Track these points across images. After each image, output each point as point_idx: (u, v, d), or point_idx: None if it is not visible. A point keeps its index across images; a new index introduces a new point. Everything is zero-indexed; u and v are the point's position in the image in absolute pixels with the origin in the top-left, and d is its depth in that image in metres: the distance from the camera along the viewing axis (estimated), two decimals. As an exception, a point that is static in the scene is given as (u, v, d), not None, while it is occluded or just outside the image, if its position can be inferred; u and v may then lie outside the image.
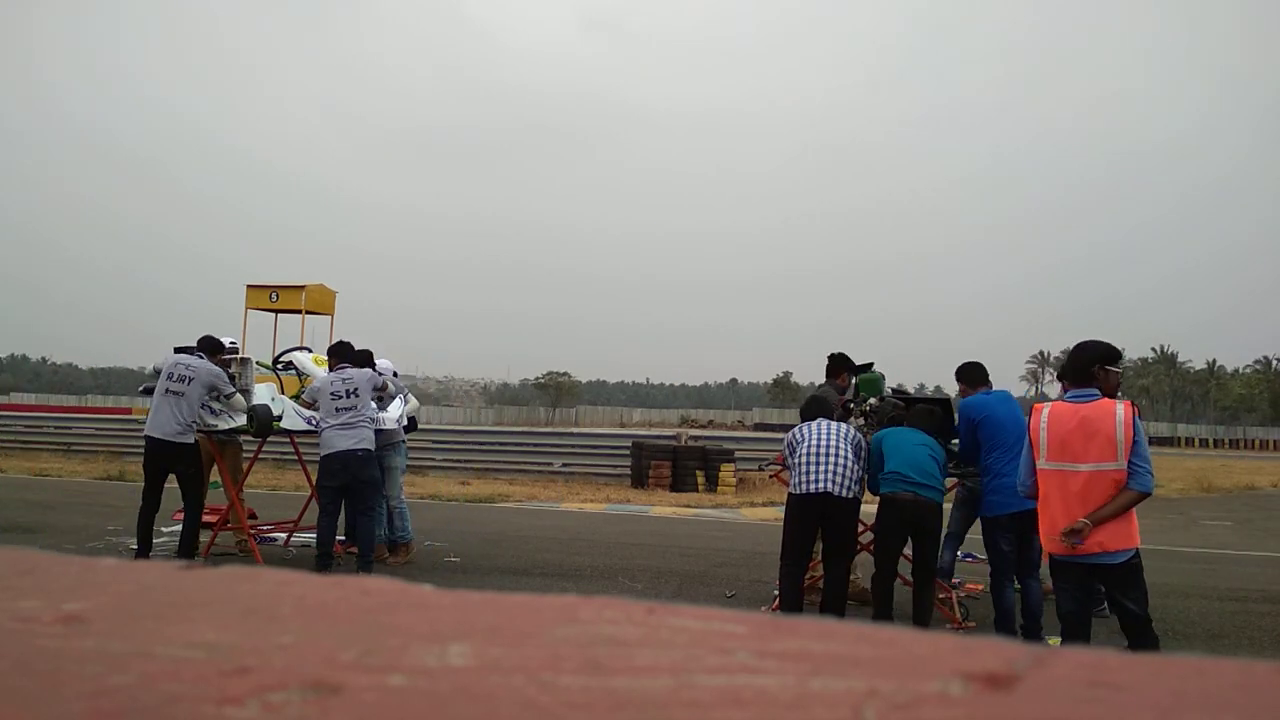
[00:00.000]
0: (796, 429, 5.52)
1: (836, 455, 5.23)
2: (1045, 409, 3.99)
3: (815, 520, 5.29)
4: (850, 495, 5.21)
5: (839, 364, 6.33)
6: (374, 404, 6.61)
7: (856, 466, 5.29)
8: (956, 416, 5.57)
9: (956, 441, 5.54)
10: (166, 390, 6.43)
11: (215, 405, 6.72)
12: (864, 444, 5.42)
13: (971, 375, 5.56)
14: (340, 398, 6.34)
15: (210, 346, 6.73)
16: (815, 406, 5.71)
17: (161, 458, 6.48)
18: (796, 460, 5.33)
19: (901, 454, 5.19)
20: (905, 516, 5.12)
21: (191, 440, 6.51)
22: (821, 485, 5.15)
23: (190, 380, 6.43)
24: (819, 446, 5.27)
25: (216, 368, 6.60)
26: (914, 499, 5.09)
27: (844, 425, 5.47)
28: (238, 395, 6.70)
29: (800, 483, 5.24)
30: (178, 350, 6.79)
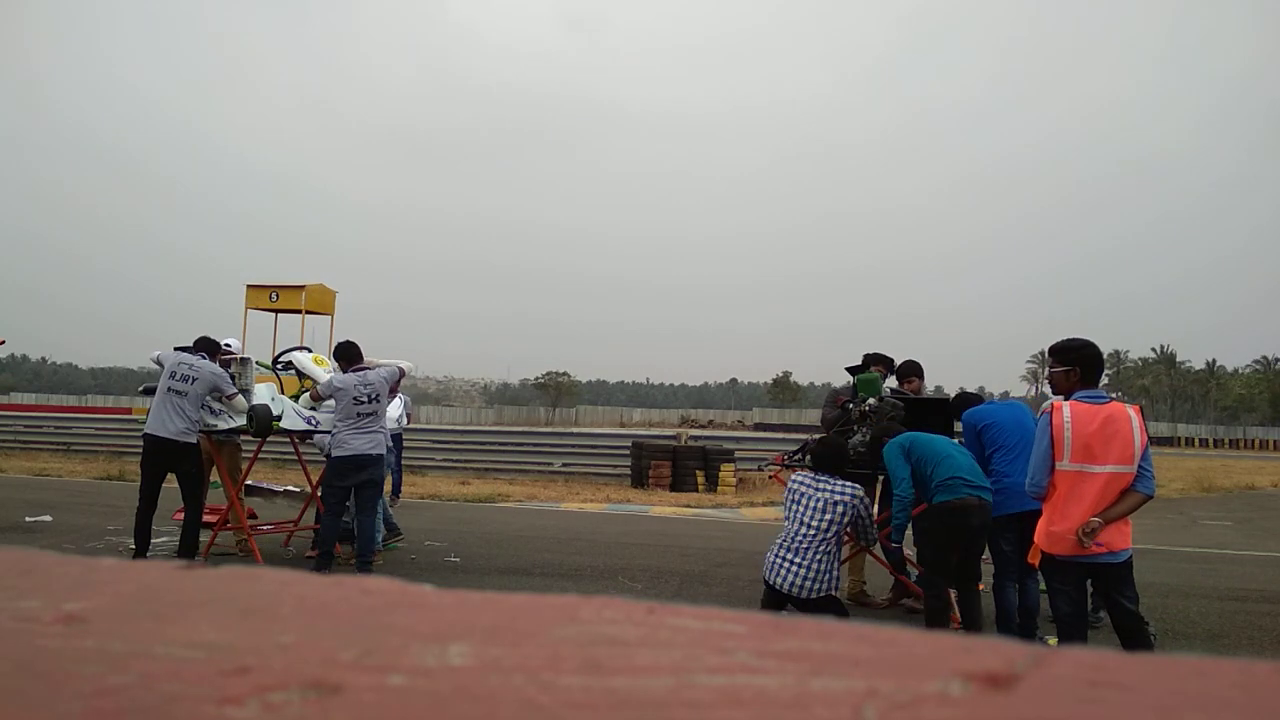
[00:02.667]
0: (797, 483, 5.00)
1: (807, 554, 4.78)
2: (1066, 408, 3.93)
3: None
4: (815, 597, 4.78)
5: (900, 369, 6.41)
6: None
7: (834, 566, 4.84)
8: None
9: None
10: (169, 389, 6.40)
11: (215, 405, 6.70)
12: (864, 513, 4.97)
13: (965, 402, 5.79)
14: (363, 402, 6.33)
15: (209, 347, 6.72)
16: (831, 458, 5.08)
17: (162, 457, 6.45)
18: (781, 533, 4.96)
19: (953, 459, 4.94)
20: (974, 522, 4.86)
21: (194, 440, 6.49)
22: (783, 583, 4.80)
23: (194, 380, 6.40)
24: (796, 536, 4.83)
25: (220, 369, 6.59)
26: (980, 503, 4.87)
27: (847, 493, 4.89)
28: (239, 396, 6.69)
29: (766, 566, 4.92)
30: (178, 350, 6.78)
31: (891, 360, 6.45)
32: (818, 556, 4.77)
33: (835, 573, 4.86)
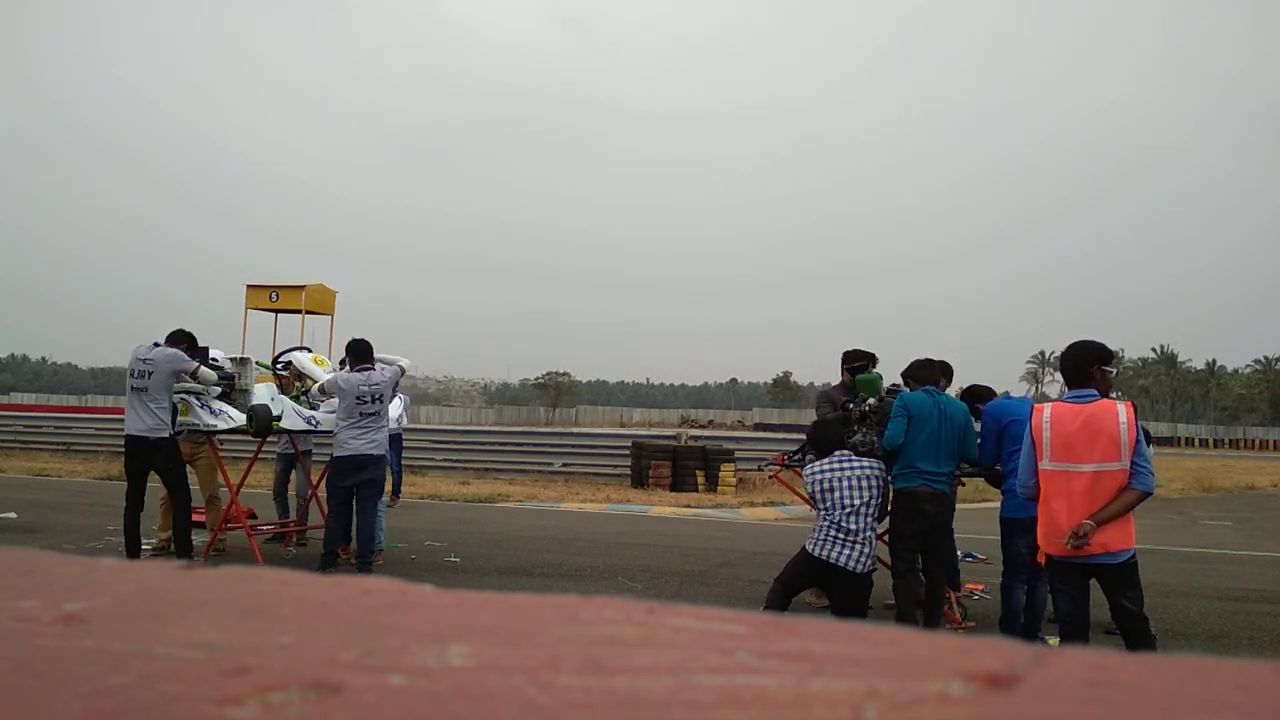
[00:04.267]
0: (820, 473, 5.15)
1: (856, 531, 4.98)
2: (1046, 409, 3.95)
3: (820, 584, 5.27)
4: (865, 570, 5.02)
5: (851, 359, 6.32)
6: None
7: (874, 540, 5.09)
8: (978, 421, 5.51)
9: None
10: (132, 387, 6.34)
11: (213, 404, 6.65)
12: (886, 487, 5.20)
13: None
14: (366, 401, 6.32)
15: (179, 339, 6.56)
16: (826, 439, 5.32)
17: (139, 455, 6.38)
18: (822, 517, 5.08)
19: (918, 445, 5.12)
20: (928, 509, 5.13)
21: (166, 435, 6.38)
22: (841, 558, 4.96)
23: (150, 373, 6.29)
24: (842, 518, 4.99)
25: (173, 350, 6.40)
26: (932, 493, 5.11)
27: (873, 469, 5.15)
28: (203, 369, 6.53)
29: (815, 544, 5.04)
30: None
31: (872, 355, 6.38)
32: (865, 532, 5.00)
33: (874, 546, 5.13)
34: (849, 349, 6.36)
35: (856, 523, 4.96)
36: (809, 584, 5.27)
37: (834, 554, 4.96)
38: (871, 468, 5.13)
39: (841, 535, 4.96)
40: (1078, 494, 3.81)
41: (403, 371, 6.95)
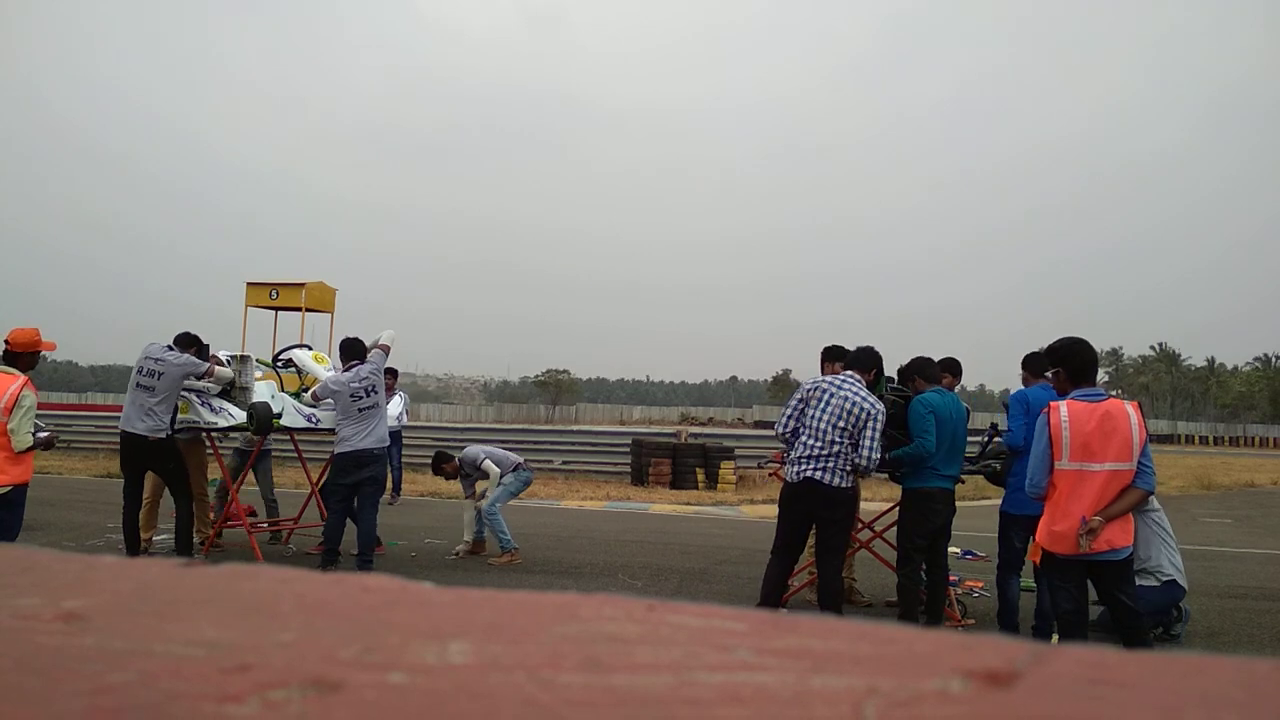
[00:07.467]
0: (814, 385, 4.99)
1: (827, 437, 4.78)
2: (1062, 407, 3.91)
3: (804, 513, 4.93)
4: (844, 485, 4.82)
5: (830, 356, 6.18)
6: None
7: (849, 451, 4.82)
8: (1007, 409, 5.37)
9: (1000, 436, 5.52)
10: (137, 384, 6.29)
11: (214, 402, 6.64)
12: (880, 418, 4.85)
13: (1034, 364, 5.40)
14: (360, 396, 6.32)
15: (187, 342, 6.56)
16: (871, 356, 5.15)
17: (137, 454, 6.35)
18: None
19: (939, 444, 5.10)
20: (938, 507, 5.22)
21: (164, 436, 6.35)
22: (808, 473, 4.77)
23: (160, 375, 6.25)
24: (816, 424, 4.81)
25: (186, 357, 6.38)
26: (943, 493, 5.22)
27: (857, 399, 4.82)
28: (218, 369, 6.53)
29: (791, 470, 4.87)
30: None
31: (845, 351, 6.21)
32: (836, 446, 4.79)
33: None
34: (828, 345, 6.11)
35: (829, 445, 4.77)
36: (799, 522, 4.95)
37: (811, 471, 4.80)
38: (874, 406, 4.83)
39: (817, 454, 4.77)
40: (1091, 494, 3.81)
41: (387, 350, 6.79)
